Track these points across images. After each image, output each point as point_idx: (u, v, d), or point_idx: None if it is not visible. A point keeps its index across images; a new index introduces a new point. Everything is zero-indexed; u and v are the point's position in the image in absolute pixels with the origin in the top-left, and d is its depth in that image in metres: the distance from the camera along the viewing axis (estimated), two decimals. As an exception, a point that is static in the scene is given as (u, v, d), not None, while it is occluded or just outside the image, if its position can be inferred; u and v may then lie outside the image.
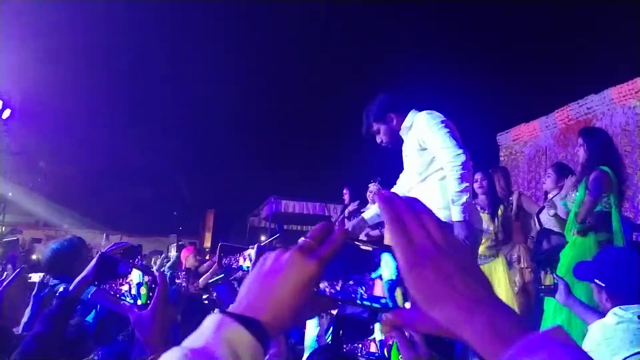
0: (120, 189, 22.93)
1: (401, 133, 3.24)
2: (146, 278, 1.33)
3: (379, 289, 0.67)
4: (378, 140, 3.34)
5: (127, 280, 1.34)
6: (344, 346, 1.48)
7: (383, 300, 0.67)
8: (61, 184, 20.86)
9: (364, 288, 0.68)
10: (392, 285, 0.66)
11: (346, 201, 6.32)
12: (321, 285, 0.68)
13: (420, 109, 3.19)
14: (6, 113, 13.90)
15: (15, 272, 2.00)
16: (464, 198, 2.84)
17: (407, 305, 0.64)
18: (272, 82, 22.71)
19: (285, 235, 13.93)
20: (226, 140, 24.61)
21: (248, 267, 2.02)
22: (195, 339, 0.57)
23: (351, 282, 0.69)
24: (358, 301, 0.68)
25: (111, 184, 22.92)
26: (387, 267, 0.67)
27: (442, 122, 3.00)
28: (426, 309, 0.57)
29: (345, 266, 0.69)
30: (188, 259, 6.55)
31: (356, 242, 0.71)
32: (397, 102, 3.28)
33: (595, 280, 1.99)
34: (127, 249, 2.01)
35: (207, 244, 20.55)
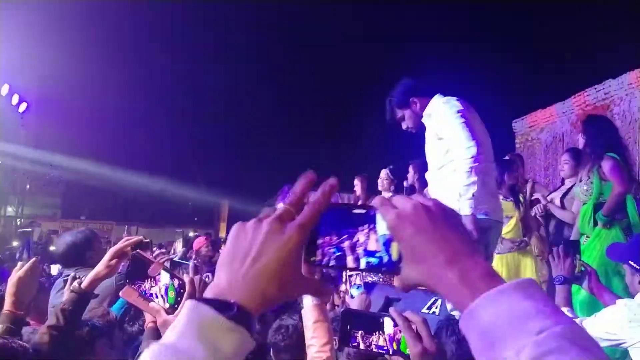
0: (135, 181, 23.18)
1: (423, 120, 3.20)
2: (175, 282, 1.35)
3: (374, 244, 0.68)
4: (403, 126, 3.31)
5: (157, 282, 1.35)
6: (353, 341, 1.48)
7: (378, 254, 0.67)
8: (77, 176, 21.13)
9: (360, 248, 0.68)
10: (387, 240, 0.66)
11: (358, 192, 6.28)
12: (317, 256, 0.67)
13: (444, 94, 3.14)
14: (22, 106, 14.13)
15: (30, 261, 2.02)
16: (471, 192, 2.79)
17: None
18: (285, 70, 22.68)
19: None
20: (240, 129, 24.70)
21: None
22: (171, 332, 0.54)
23: (346, 245, 0.68)
24: (354, 263, 0.68)
25: (125, 176, 23.18)
26: (380, 224, 0.66)
27: (459, 111, 2.94)
28: (409, 264, 0.60)
29: (338, 230, 0.69)
30: (202, 250, 6.60)
31: (347, 205, 0.72)
32: (419, 86, 3.25)
33: (630, 262, 2.01)
34: (138, 243, 2.02)
35: (222, 234, 20.77)
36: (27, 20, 13.86)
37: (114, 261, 1.90)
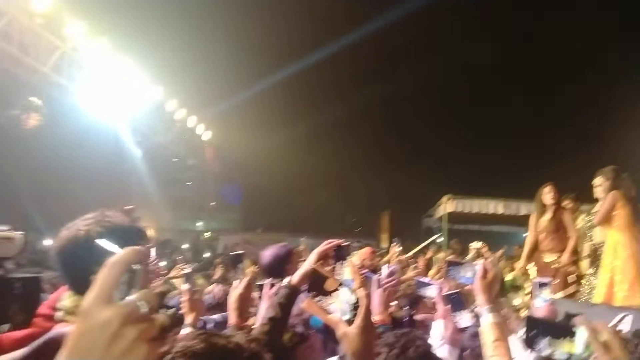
0: (302, 195, 24.74)
1: None
2: (352, 296, 1.45)
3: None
4: None
5: (335, 295, 1.47)
6: (536, 345, 1.63)
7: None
8: (251, 192, 23.32)
9: None
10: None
11: (548, 201, 5.99)
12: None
13: None
14: (207, 135, 16.18)
15: (245, 279, 2.37)
16: None
17: None
18: (449, 73, 22.19)
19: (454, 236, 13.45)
20: (401, 139, 24.81)
21: (471, 277, 2.12)
22: None
23: None
24: None
25: (294, 191, 24.87)
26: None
27: None
28: None
29: None
30: (365, 261, 6.75)
31: None
32: None
33: None
34: (339, 247, 2.17)
35: (384, 244, 20.95)
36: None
37: (320, 262, 2.09)
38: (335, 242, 2.21)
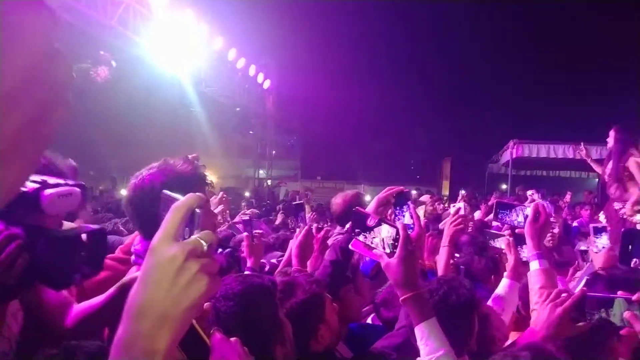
0: (361, 143, 24.64)
1: None
2: (391, 230, 1.51)
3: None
4: None
5: (377, 232, 1.55)
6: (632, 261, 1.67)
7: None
8: (311, 141, 23.53)
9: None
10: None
11: (610, 144, 5.54)
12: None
13: None
14: (266, 84, 16.27)
15: (307, 227, 2.56)
16: None
17: None
18: (513, 16, 20.84)
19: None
20: (460, 82, 23.87)
21: (521, 221, 2.10)
22: None
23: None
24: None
25: (353, 139, 24.79)
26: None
27: None
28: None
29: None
30: (426, 207, 6.74)
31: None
32: None
33: None
34: (399, 193, 2.22)
35: (445, 192, 20.68)
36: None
37: (380, 208, 2.14)
38: (395, 188, 2.25)
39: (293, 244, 2.55)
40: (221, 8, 12.27)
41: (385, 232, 1.54)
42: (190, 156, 2.15)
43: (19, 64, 0.52)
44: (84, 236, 1.27)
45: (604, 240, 2.74)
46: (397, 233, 1.53)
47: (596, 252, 2.73)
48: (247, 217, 2.96)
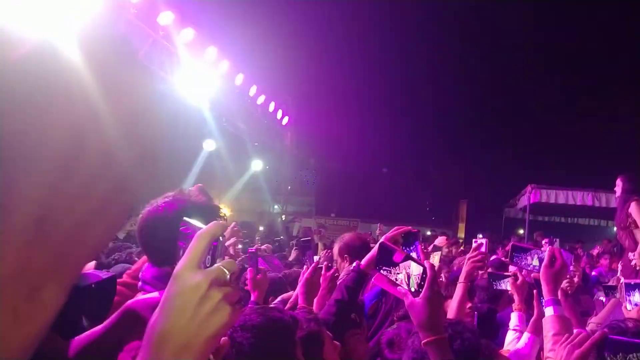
0: (376, 182, 24.60)
1: None
2: (418, 268, 1.49)
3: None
4: None
5: (402, 268, 1.52)
6: None
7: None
8: (326, 178, 23.58)
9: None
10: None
11: (617, 193, 5.52)
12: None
13: None
14: (285, 120, 16.53)
15: (312, 265, 2.50)
16: None
17: None
18: (534, 57, 21.02)
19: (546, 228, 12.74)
20: (479, 125, 23.89)
21: (536, 265, 2.07)
22: None
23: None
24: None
25: (369, 177, 24.79)
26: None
27: None
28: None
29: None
30: (442, 249, 6.67)
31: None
32: None
33: None
34: (407, 233, 2.20)
35: (461, 234, 20.39)
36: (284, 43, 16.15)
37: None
38: (404, 228, 2.24)
39: (299, 281, 2.52)
40: (243, 46, 12.65)
41: (411, 269, 1.51)
42: (199, 186, 2.17)
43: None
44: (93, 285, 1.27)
45: (637, 298, 2.60)
46: (424, 272, 1.48)
47: (629, 310, 2.59)
48: (253, 251, 2.93)
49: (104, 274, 1.32)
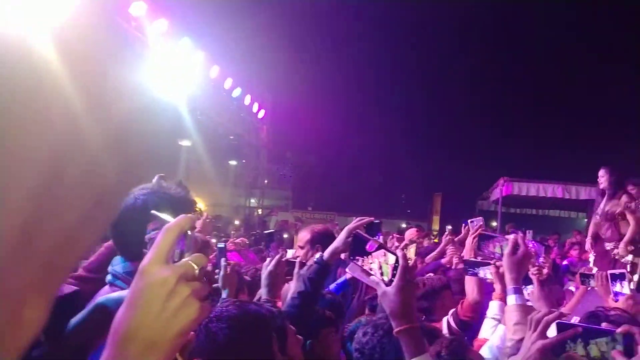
0: (353, 176, 24.72)
1: None
2: (390, 257, 1.49)
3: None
4: None
5: (374, 258, 1.53)
6: None
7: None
8: (303, 171, 23.56)
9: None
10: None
11: (602, 184, 5.61)
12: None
13: None
14: (261, 113, 16.41)
15: (278, 255, 2.45)
16: None
17: None
18: (506, 56, 21.35)
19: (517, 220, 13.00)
20: (454, 120, 24.18)
21: (499, 253, 2.11)
22: None
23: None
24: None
25: (345, 171, 24.88)
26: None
27: None
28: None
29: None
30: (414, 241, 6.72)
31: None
32: None
33: None
34: (370, 224, 2.21)
35: (435, 226, 20.67)
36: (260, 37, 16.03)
37: (349, 238, 2.12)
38: (366, 219, 2.26)
39: (262, 274, 2.39)
40: (218, 37, 12.49)
41: (383, 258, 1.51)
42: (177, 180, 2.13)
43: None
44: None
45: (620, 288, 2.55)
46: (397, 261, 1.49)
47: (616, 302, 2.54)
48: (222, 245, 2.83)
49: (66, 289, 1.25)
